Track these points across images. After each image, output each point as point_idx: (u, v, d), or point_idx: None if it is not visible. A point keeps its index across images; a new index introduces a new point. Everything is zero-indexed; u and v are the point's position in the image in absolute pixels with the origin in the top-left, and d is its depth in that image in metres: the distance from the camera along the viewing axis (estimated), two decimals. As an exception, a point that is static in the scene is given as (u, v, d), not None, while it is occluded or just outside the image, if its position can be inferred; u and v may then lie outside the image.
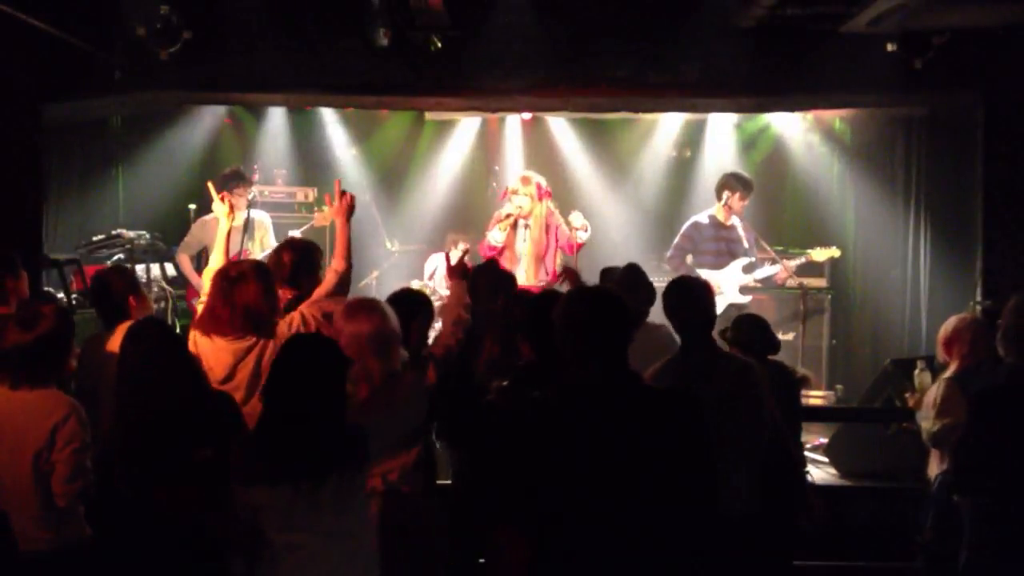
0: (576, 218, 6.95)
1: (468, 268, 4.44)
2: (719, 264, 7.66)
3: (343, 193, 4.88)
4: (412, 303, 4.13)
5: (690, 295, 4.01)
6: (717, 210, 7.72)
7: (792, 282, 7.80)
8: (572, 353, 2.94)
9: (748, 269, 7.68)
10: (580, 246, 6.96)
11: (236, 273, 4.17)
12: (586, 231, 6.92)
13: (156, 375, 3.44)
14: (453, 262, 4.47)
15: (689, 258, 7.70)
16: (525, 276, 6.95)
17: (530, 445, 2.90)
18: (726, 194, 7.65)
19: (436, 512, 3.81)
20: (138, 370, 3.46)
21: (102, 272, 5.04)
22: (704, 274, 7.39)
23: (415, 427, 3.68)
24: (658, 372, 3.89)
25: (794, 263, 7.86)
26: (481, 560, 4.03)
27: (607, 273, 5.39)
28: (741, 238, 7.68)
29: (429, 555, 3.75)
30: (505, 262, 6.93)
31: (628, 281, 4.97)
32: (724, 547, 3.56)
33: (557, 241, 7.10)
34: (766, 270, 7.76)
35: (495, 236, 7.00)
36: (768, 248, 7.89)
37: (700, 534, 2.85)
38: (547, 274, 6.99)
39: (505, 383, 3.83)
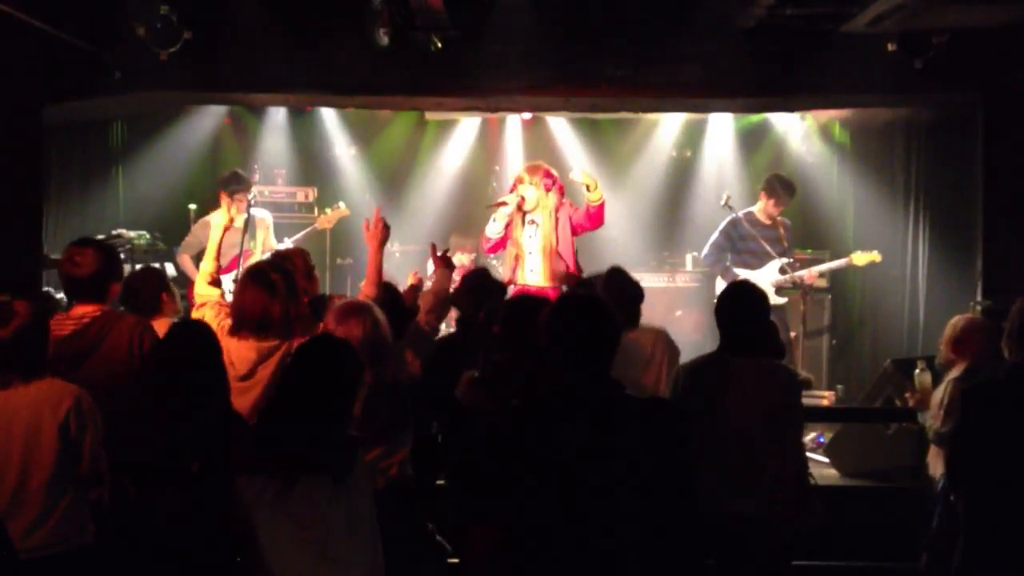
0: (577, 174, 6.52)
1: (451, 260, 4.56)
2: (756, 264, 7.60)
3: (381, 221, 4.75)
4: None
5: (746, 300, 4.09)
6: (758, 209, 7.67)
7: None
8: (554, 360, 2.96)
9: (784, 270, 7.61)
10: (601, 208, 6.44)
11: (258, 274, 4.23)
12: (595, 187, 6.42)
13: (202, 377, 3.46)
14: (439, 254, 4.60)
15: (728, 257, 7.65)
16: (538, 275, 6.48)
17: (508, 451, 2.92)
18: (762, 197, 7.61)
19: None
20: (182, 370, 3.46)
21: (135, 272, 5.20)
22: (741, 274, 7.35)
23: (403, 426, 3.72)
24: (695, 370, 3.98)
25: (835, 265, 7.78)
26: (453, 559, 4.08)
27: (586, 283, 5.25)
28: (781, 237, 7.59)
29: (419, 551, 3.77)
30: (508, 257, 6.65)
31: (613, 285, 4.90)
32: (730, 544, 3.60)
33: (573, 230, 6.53)
34: (799, 272, 7.66)
35: (492, 228, 6.60)
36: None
37: (678, 540, 2.86)
38: (566, 267, 6.43)
39: (476, 375, 3.86)
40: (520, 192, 6.51)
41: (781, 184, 7.65)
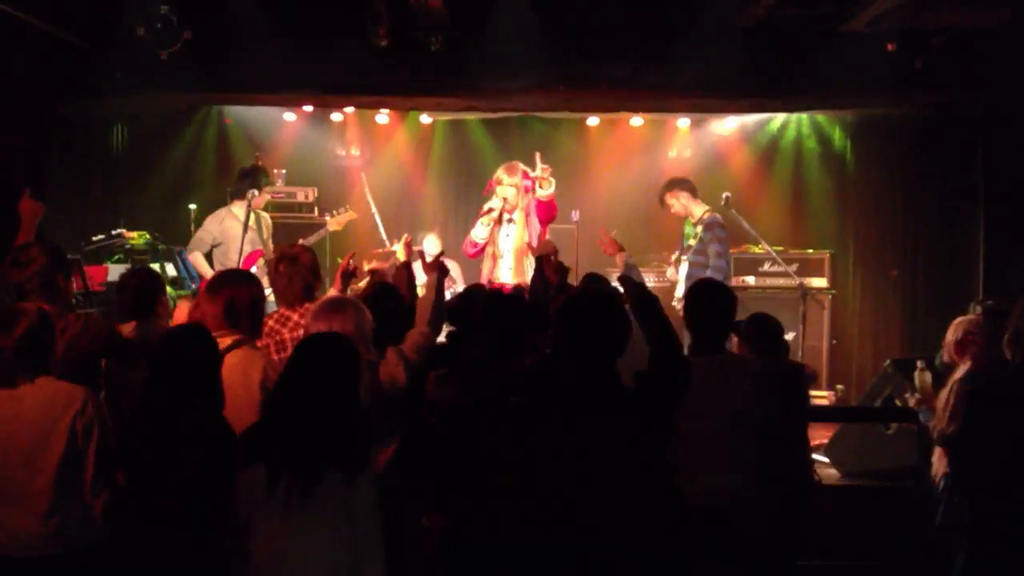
0: (538, 168, 6.38)
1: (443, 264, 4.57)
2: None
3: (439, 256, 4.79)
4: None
5: (712, 298, 4.08)
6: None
7: (789, 281, 7.75)
8: (565, 352, 3.04)
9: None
10: (551, 202, 6.43)
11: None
12: (549, 183, 6.39)
13: (194, 381, 3.44)
14: (428, 259, 4.59)
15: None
16: (511, 273, 6.55)
17: (520, 445, 2.98)
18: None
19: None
20: (173, 372, 3.45)
21: (131, 271, 5.13)
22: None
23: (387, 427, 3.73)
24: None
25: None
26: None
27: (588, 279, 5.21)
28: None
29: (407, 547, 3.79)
30: (487, 259, 6.68)
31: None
32: (719, 536, 3.64)
33: (541, 224, 6.57)
34: None
35: (479, 232, 6.61)
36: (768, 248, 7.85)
37: (657, 531, 2.96)
38: (530, 265, 6.35)
39: (445, 372, 3.86)
40: (501, 194, 6.57)
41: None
